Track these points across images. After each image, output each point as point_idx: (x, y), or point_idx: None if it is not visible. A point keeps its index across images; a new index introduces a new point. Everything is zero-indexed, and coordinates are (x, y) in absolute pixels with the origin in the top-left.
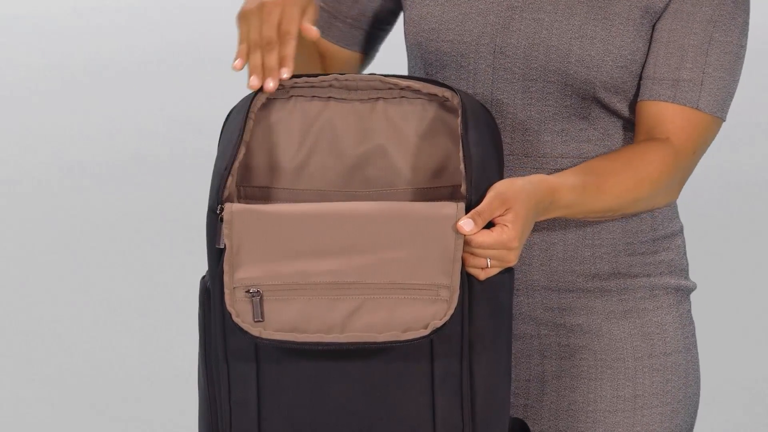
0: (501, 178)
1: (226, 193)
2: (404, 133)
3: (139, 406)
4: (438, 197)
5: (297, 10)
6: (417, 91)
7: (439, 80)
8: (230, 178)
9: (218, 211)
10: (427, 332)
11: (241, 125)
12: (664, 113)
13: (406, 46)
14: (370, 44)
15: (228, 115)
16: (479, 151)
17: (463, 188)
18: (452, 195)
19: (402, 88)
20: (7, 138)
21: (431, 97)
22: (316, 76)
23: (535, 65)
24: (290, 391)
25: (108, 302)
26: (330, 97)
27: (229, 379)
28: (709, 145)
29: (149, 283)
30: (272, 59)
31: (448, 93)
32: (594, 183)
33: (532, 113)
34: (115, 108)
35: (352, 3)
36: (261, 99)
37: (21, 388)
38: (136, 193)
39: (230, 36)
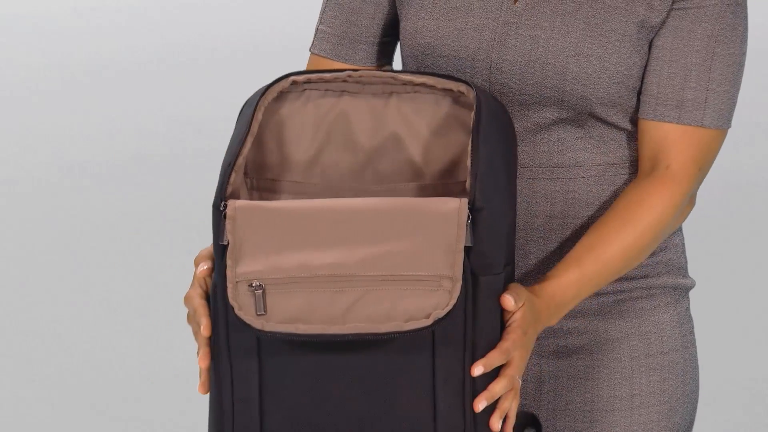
0: (510, 175)
1: (229, 190)
2: (417, 128)
3: (139, 406)
4: (451, 193)
5: (201, 311)
6: (432, 87)
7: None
8: (233, 175)
9: (222, 208)
10: (429, 322)
11: (249, 119)
12: (669, 135)
13: (402, 57)
14: (388, 54)
15: (242, 108)
16: (488, 148)
17: (468, 183)
18: (465, 191)
19: (416, 85)
20: (7, 138)
21: (446, 92)
22: (329, 72)
23: (531, 81)
24: (292, 388)
25: (108, 302)
26: (343, 91)
27: (232, 376)
28: (715, 157)
29: (149, 283)
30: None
31: (463, 87)
32: (592, 260)
33: (528, 125)
34: (115, 108)
35: (369, 21)
36: (272, 93)
37: (21, 388)
38: (136, 193)
39: (230, 36)
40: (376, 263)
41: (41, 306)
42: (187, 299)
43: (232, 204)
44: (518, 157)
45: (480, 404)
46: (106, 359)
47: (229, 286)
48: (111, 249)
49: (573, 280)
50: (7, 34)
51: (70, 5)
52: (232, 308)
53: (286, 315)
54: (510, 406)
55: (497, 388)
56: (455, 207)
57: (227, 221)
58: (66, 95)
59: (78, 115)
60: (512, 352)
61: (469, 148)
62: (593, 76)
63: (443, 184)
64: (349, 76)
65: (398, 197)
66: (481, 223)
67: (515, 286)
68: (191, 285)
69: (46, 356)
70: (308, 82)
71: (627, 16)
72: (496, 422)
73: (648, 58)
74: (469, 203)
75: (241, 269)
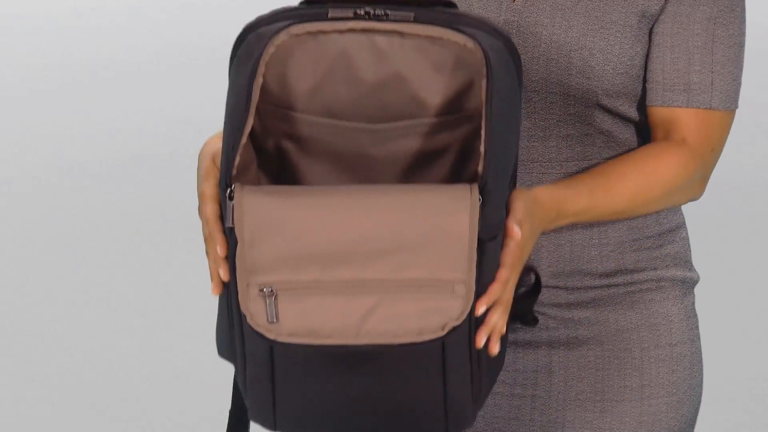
0: (517, 128)
1: (234, 172)
2: (421, 67)
3: (139, 406)
4: (457, 125)
5: (216, 230)
6: (438, 39)
7: None
8: (238, 158)
9: (227, 193)
10: (443, 333)
11: (249, 88)
12: (679, 118)
13: None
14: None
15: (241, 39)
16: (501, 123)
17: (480, 167)
18: (471, 121)
19: (423, 37)
20: (7, 138)
21: (453, 43)
22: (330, 19)
23: (536, 78)
24: (302, 375)
25: (108, 302)
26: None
27: (245, 352)
28: (726, 138)
29: (149, 283)
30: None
31: (471, 44)
32: (602, 187)
33: (537, 121)
34: (115, 108)
35: None
36: (270, 50)
37: (21, 388)
38: (136, 193)
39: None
40: (390, 268)
41: (41, 306)
42: (202, 208)
43: (239, 194)
44: (528, 153)
45: (481, 339)
46: (106, 359)
47: (240, 289)
48: (111, 249)
49: (579, 201)
50: (7, 34)
51: (70, 5)
52: (244, 316)
53: (298, 325)
54: (498, 322)
55: (495, 317)
56: (466, 200)
57: (234, 209)
58: (66, 95)
59: (78, 115)
60: (510, 278)
61: (482, 132)
62: (597, 69)
63: (449, 121)
64: (352, 29)
65: (409, 186)
66: (490, 201)
67: (520, 206)
68: (201, 198)
69: (46, 356)
70: (308, 33)
71: (627, 6)
72: (481, 339)
73: (649, 45)
74: (480, 188)
75: (252, 272)
